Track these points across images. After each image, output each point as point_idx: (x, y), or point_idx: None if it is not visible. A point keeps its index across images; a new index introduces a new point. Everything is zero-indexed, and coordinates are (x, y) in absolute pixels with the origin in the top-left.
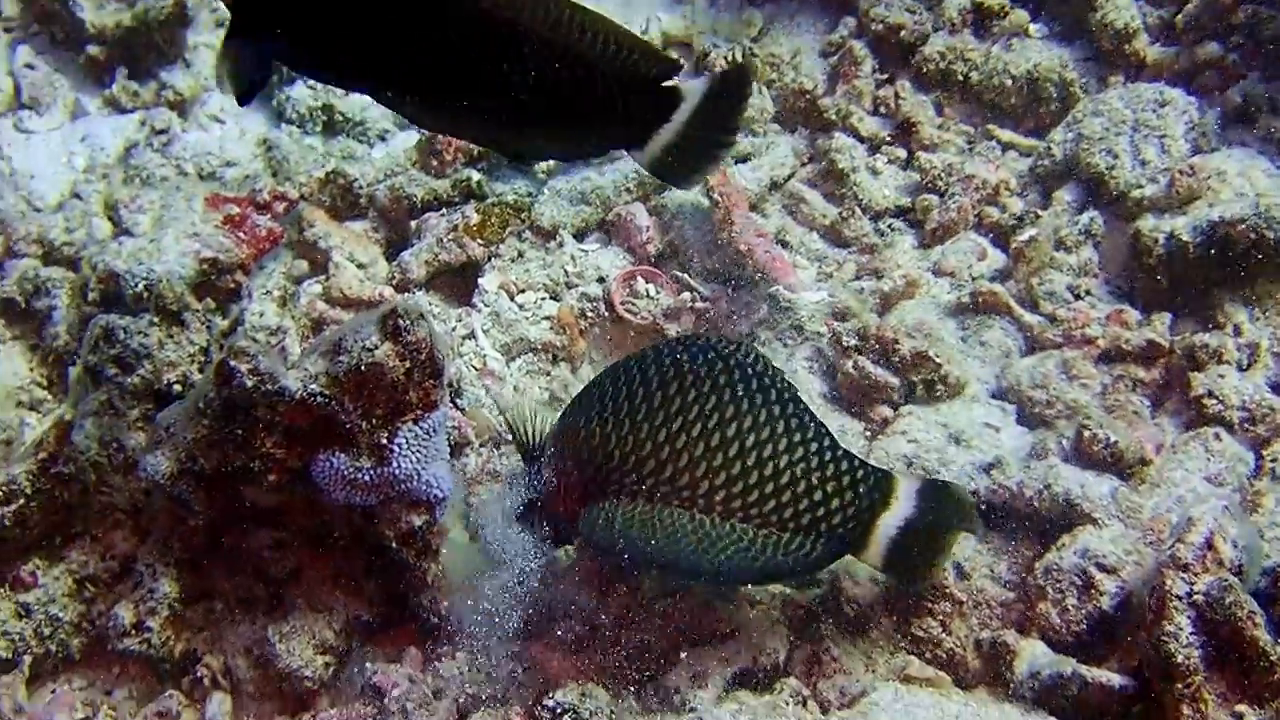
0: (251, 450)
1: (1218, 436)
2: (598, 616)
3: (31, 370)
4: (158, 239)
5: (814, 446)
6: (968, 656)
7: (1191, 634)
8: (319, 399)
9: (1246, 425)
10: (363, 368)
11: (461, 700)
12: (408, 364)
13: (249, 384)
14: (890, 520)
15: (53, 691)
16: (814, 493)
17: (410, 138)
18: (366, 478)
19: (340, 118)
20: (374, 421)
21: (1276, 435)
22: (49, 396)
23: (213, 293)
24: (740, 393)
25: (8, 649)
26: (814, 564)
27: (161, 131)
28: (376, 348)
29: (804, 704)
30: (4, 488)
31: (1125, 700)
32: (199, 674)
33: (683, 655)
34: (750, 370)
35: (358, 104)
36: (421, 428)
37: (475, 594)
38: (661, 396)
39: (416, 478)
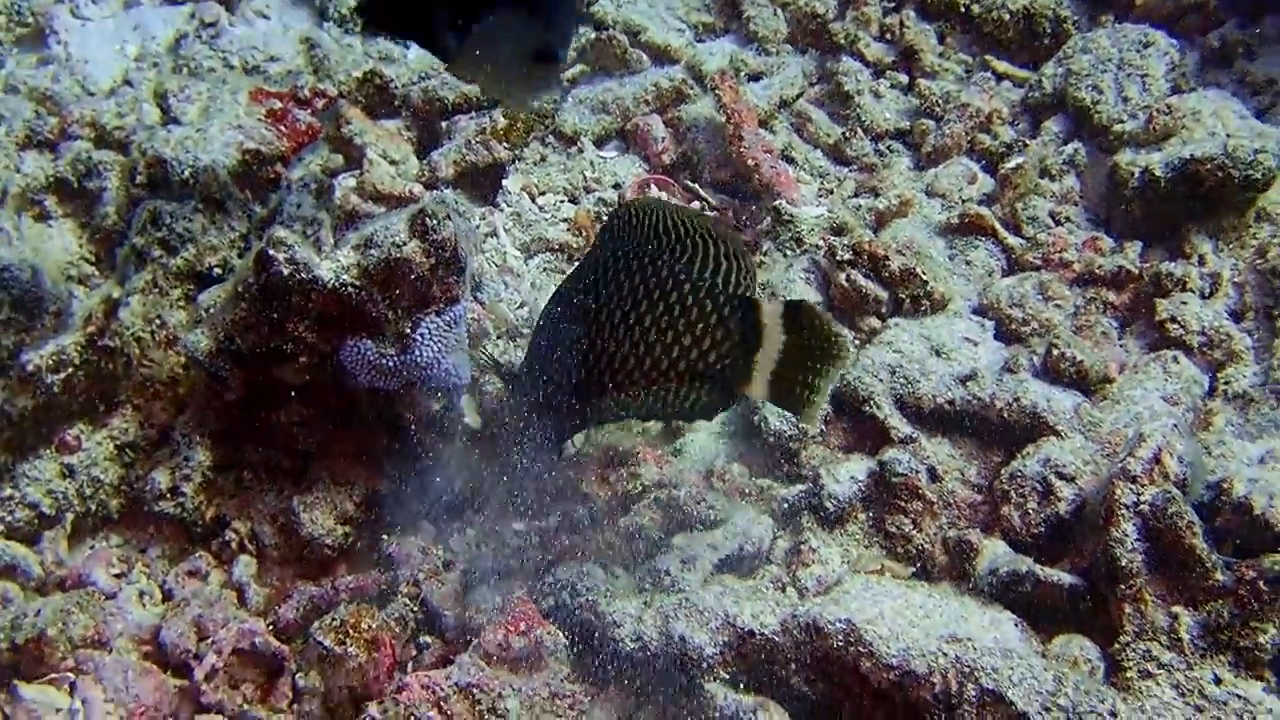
0: (285, 334)
1: (1176, 359)
2: (595, 501)
3: (81, 247)
4: (204, 128)
5: (689, 301)
6: (935, 553)
7: (1136, 540)
8: (349, 289)
9: (1204, 349)
10: (391, 262)
11: (469, 572)
12: (433, 260)
13: (285, 272)
14: (766, 353)
15: (92, 547)
16: (698, 342)
17: None
18: (390, 364)
19: None
20: (399, 312)
21: (1231, 360)
22: (96, 272)
23: (254, 182)
24: (642, 284)
25: (52, 506)
26: (710, 408)
27: (210, 24)
28: (405, 244)
29: (783, 589)
30: (54, 356)
31: (1074, 598)
32: (227, 537)
33: (673, 540)
34: (650, 263)
35: None
36: (443, 319)
37: (486, 476)
38: (597, 313)
39: (437, 365)
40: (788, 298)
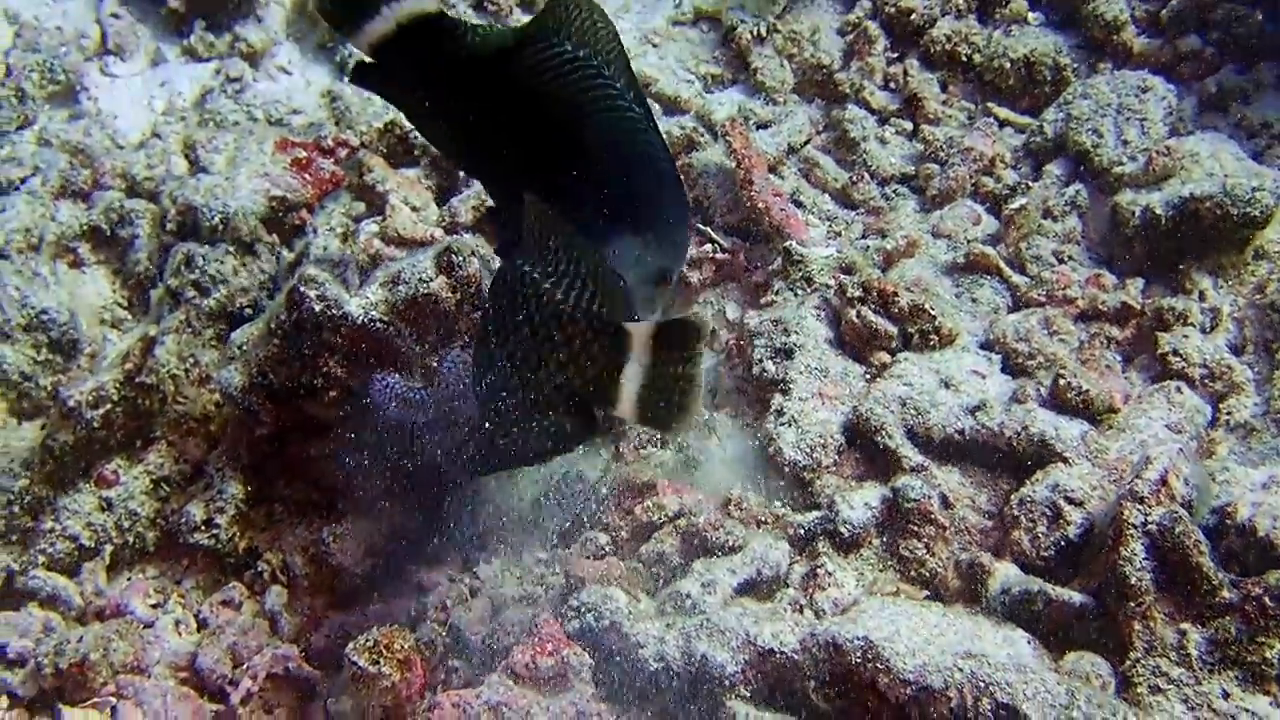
0: (316, 369)
1: (1179, 389)
2: (619, 530)
3: (114, 292)
4: (232, 177)
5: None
6: (948, 576)
7: (1145, 559)
8: (378, 324)
9: (1206, 381)
10: (418, 297)
11: (496, 599)
12: (458, 295)
13: (317, 308)
14: (631, 371)
15: (129, 578)
16: (564, 368)
17: None
18: (418, 397)
19: None
20: (426, 346)
21: (1232, 391)
22: (129, 316)
23: (280, 228)
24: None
25: (91, 538)
26: (573, 436)
27: (235, 79)
28: (431, 280)
29: (801, 611)
30: (93, 393)
31: (1084, 616)
32: (259, 568)
33: (693, 566)
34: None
35: None
36: (469, 353)
37: (512, 507)
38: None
39: (462, 399)
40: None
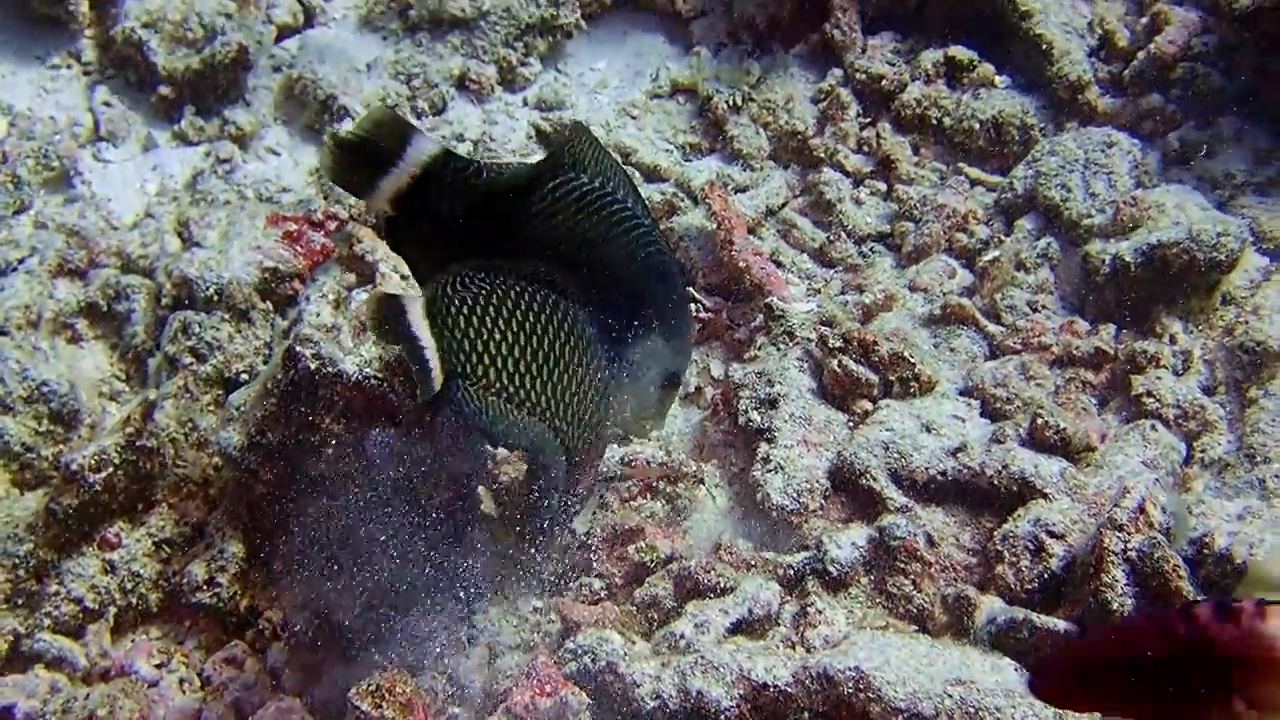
0: (313, 426)
1: (1154, 428)
2: (613, 576)
3: (112, 365)
4: (225, 250)
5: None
6: (935, 611)
7: (1125, 584)
8: (372, 380)
9: (1180, 420)
10: None
11: (492, 646)
12: None
13: (312, 367)
14: None
15: (133, 639)
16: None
17: None
18: (413, 452)
19: None
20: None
21: (1206, 429)
22: (127, 389)
23: (273, 298)
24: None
25: (95, 601)
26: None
27: (225, 161)
28: None
29: (793, 647)
30: (95, 457)
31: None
32: (261, 626)
33: (686, 607)
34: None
35: None
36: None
37: (508, 556)
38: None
39: (456, 451)
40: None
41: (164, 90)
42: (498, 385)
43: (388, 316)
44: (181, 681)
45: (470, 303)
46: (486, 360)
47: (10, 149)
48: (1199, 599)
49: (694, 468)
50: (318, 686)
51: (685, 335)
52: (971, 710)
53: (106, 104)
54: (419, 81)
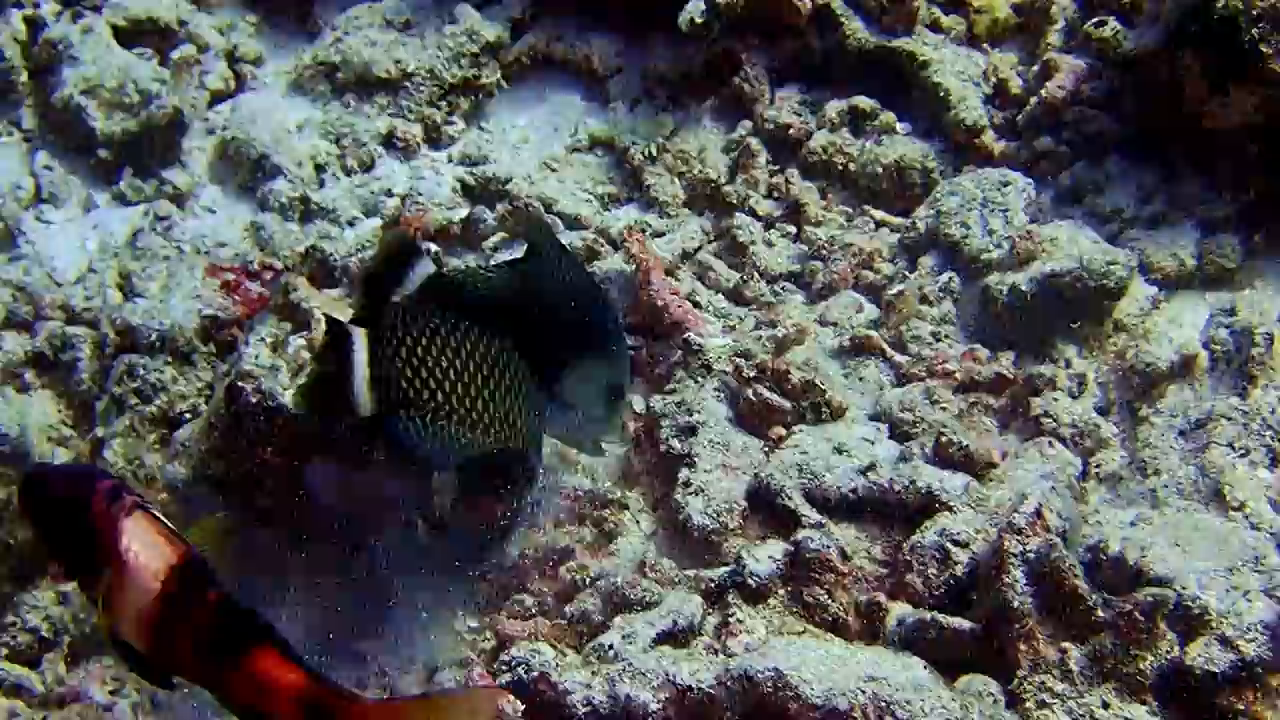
0: (254, 459)
1: (1050, 444)
2: (543, 593)
3: (60, 412)
4: (166, 300)
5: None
6: (849, 618)
7: (1025, 584)
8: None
9: (1076, 439)
10: None
11: (430, 663)
12: None
13: (253, 400)
14: None
15: (87, 668)
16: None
17: (375, 221)
18: (352, 483)
19: (315, 206)
20: (359, 434)
21: (1100, 446)
22: (75, 434)
23: (214, 343)
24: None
25: (50, 631)
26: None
27: (163, 218)
28: None
29: (716, 654)
30: None
31: (974, 641)
32: None
33: (615, 621)
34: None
35: (330, 195)
36: None
37: (443, 579)
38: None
39: (395, 483)
40: None
41: (103, 153)
42: (446, 408)
43: (331, 341)
44: (134, 706)
45: (415, 334)
46: (433, 385)
47: None
48: None
49: (619, 494)
50: None
51: (623, 352)
52: (884, 704)
53: (47, 168)
54: (348, 140)
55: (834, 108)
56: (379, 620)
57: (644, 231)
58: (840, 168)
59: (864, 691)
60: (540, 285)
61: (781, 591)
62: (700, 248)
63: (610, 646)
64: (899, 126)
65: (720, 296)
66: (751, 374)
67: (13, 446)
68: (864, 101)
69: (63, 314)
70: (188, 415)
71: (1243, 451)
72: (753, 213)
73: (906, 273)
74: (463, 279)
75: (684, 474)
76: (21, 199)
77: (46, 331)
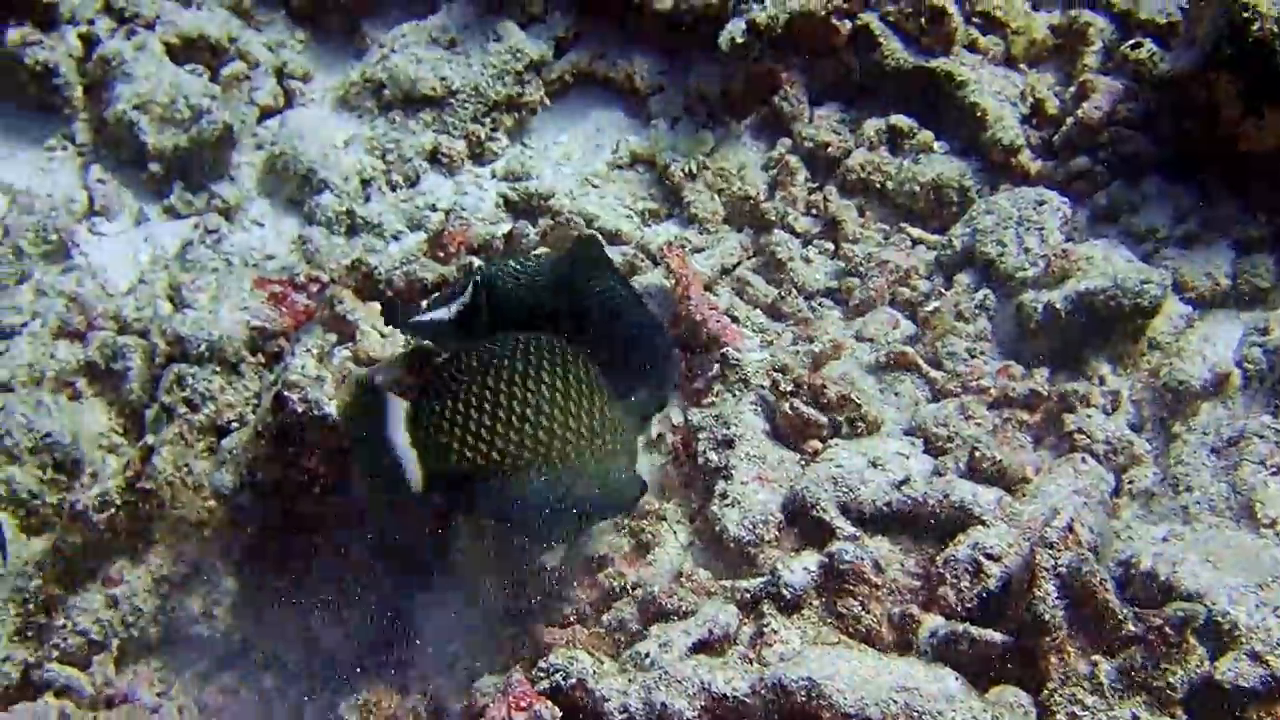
0: (300, 466)
1: (1084, 460)
2: (581, 602)
3: (110, 420)
4: (215, 310)
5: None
6: (882, 630)
7: (1056, 598)
8: None
9: (1109, 455)
10: None
11: (471, 668)
12: None
13: (299, 410)
14: None
15: (134, 670)
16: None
17: (419, 235)
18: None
19: (361, 220)
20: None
21: (1133, 463)
22: (125, 442)
23: (262, 355)
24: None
25: (100, 634)
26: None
27: (213, 231)
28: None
29: (750, 664)
30: (99, 498)
31: (1005, 654)
32: (253, 657)
33: (652, 629)
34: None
35: (375, 209)
36: None
37: (483, 585)
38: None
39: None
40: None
41: (154, 168)
42: (526, 456)
43: (365, 409)
44: (180, 709)
45: (469, 388)
46: (500, 443)
47: (11, 223)
48: None
49: (656, 505)
50: (308, 713)
51: (670, 373)
52: (916, 714)
53: (100, 181)
54: (393, 156)
55: (872, 126)
56: (419, 626)
57: (683, 247)
58: (878, 185)
59: (896, 701)
60: (585, 294)
61: (816, 602)
62: (739, 263)
63: (647, 654)
64: (936, 145)
65: (758, 312)
66: (788, 388)
67: (65, 453)
68: (902, 120)
69: (114, 324)
70: (235, 424)
71: (1274, 469)
72: (791, 229)
73: (942, 290)
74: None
75: (721, 486)
76: (75, 212)
77: (98, 341)
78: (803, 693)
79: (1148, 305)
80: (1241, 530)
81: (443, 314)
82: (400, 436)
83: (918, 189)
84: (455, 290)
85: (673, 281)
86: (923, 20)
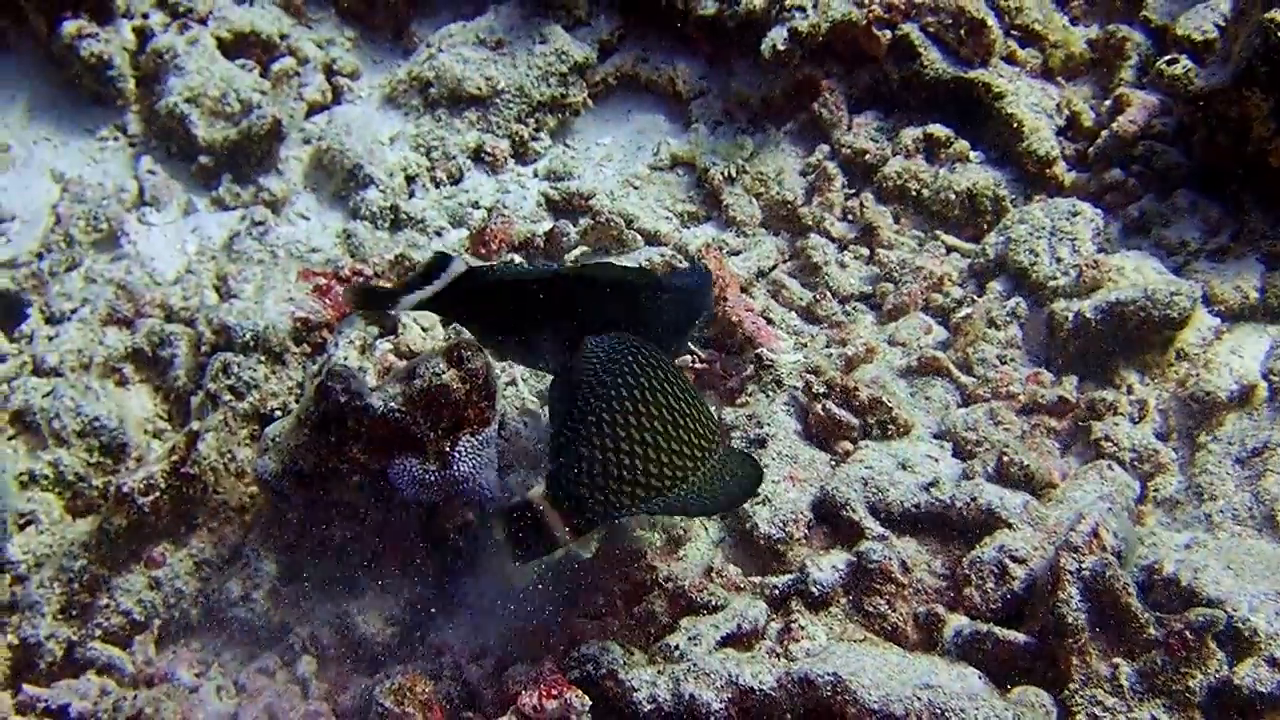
0: (341, 455)
1: (1110, 467)
2: (614, 593)
3: (156, 406)
4: (260, 301)
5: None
6: (908, 629)
7: (1079, 601)
8: (396, 414)
9: (1135, 463)
10: (432, 388)
11: (503, 657)
12: (468, 386)
13: (342, 400)
14: None
15: (174, 650)
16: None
17: (462, 232)
18: (432, 479)
19: (405, 216)
20: (439, 433)
21: (1159, 471)
22: (170, 428)
23: (306, 345)
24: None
25: (142, 613)
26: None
27: (259, 223)
28: (443, 373)
29: (778, 659)
30: (144, 481)
31: (1028, 655)
32: (291, 640)
33: (680, 622)
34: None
35: (419, 205)
36: (477, 439)
37: (516, 574)
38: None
39: (471, 480)
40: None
41: (204, 160)
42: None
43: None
44: (219, 689)
45: (585, 454)
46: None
47: (63, 211)
48: None
49: None
50: (342, 697)
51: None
52: (938, 711)
53: (150, 172)
54: (438, 154)
55: (909, 135)
56: (454, 614)
57: (721, 249)
58: (914, 193)
59: (919, 698)
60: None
61: (843, 600)
62: (775, 266)
63: (676, 647)
64: (973, 155)
65: (793, 314)
66: (821, 390)
67: (112, 437)
68: (939, 129)
69: (161, 312)
70: (278, 412)
71: None
72: (827, 234)
73: (975, 297)
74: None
75: None
76: (125, 201)
77: (146, 328)
78: (828, 688)
79: (1177, 317)
80: (1263, 539)
81: (426, 292)
82: (539, 501)
83: (953, 197)
84: (423, 271)
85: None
86: (962, 32)
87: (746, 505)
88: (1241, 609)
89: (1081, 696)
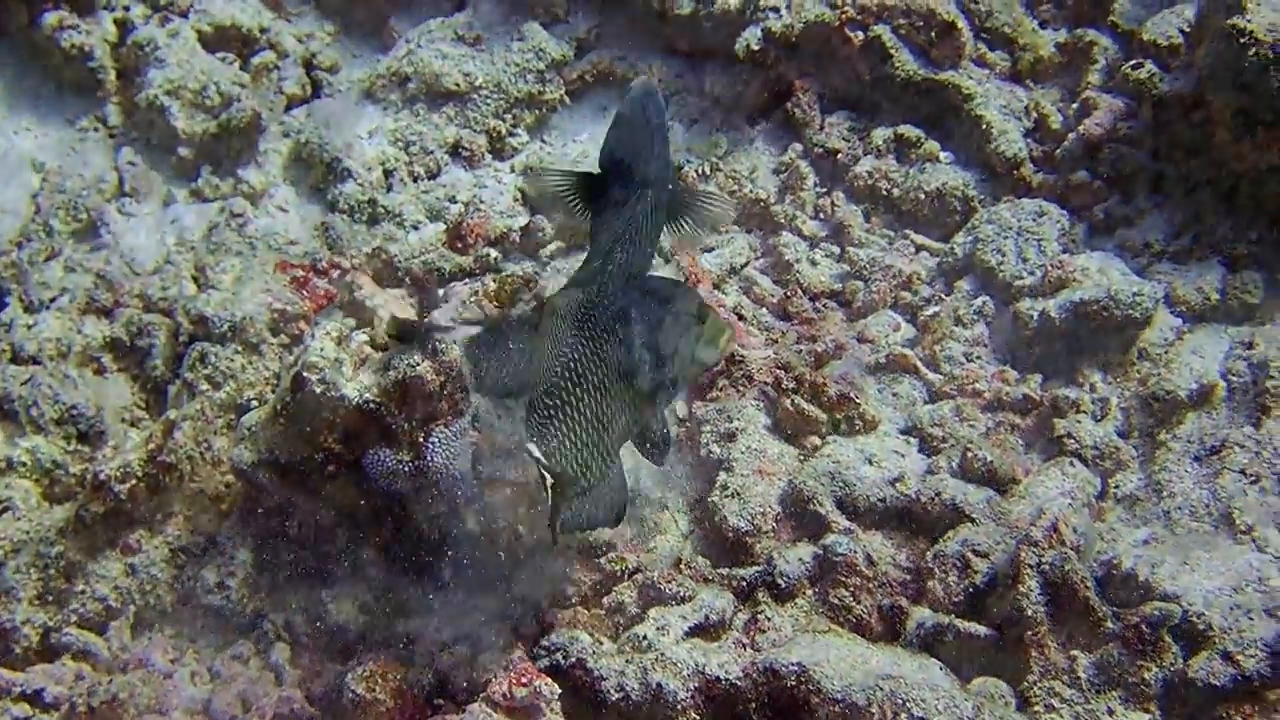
0: (316, 445)
1: (1072, 463)
2: (583, 583)
3: (134, 395)
4: (238, 292)
5: None
6: (872, 621)
7: (1039, 594)
8: (370, 404)
9: (1097, 460)
10: (406, 380)
11: (475, 645)
12: (442, 378)
13: (317, 391)
14: None
15: (150, 637)
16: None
17: (439, 226)
18: (406, 469)
19: (382, 209)
20: (413, 424)
21: (1119, 468)
22: (147, 417)
23: (283, 336)
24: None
25: (117, 599)
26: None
27: (238, 215)
28: (418, 364)
29: (744, 649)
30: (121, 469)
31: (989, 647)
32: (265, 628)
33: (649, 613)
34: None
35: (397, 199)
36: (451, 430)
37: (488, 565)
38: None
39: (445, 471)
40: None
41: (183, 151)
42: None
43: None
44: (193, 675)
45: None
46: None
47: (43, 201)
48: None
49: (659, 495)
50: (315, 684)
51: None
52: (900, 701)
53: (131, 163)
54: (416, 148)
55: (880, 135)
56: (425, 602)
57: (694, 246)
58: (884, 192)
59: (881, 688)
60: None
61: (809, 592)
62: (747, 263)
63: (644, 637)
64: (942, 155)
65: (764, 311)
66: (790, 386)
67: (89, 425)
68: (910, 130)
69: (140, 302)
70: (255, 402)
71: (1254, 478)
72: (799, 232)
73: (942, 295)
74: None
75: (722, 478)
76: (105, 192)
77: (124, 318)
78: (793, 677)
79: (1139, 317)
80: (1220, 536)
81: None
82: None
83: (923, 197)
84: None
85: (683, 279)
86: (933, 34)
87: (716, 498)
88: (1197, 604)
89: (1040, 688)
